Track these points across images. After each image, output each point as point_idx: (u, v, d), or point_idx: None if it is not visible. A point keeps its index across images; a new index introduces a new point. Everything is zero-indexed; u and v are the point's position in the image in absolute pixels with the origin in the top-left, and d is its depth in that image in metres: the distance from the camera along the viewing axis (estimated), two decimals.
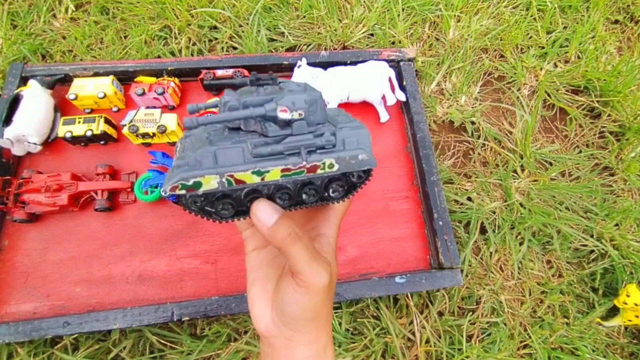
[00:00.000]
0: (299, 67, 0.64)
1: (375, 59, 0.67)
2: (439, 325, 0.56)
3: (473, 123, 0.72)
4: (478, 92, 0.75)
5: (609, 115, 0.76)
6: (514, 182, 0.67)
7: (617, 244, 0.64)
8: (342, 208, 0.29)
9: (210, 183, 0.23)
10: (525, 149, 0.69)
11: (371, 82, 0.64)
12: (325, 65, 0.66)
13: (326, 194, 0.27)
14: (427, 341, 0.55)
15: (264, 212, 0.24)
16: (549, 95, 0.77)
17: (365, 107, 0.67)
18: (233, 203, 0.25)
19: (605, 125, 0.75)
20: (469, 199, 0.65)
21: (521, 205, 0.65)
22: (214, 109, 0.24)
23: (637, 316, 0.55)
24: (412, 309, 0.56)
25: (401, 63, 0.68)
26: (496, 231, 0.63)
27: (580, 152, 0.73)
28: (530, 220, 0.63)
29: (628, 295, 0.54)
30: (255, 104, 0.23)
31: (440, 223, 0.57)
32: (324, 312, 0.27)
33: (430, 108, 0.72)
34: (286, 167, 0.24)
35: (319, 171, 0.25)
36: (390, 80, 0.65)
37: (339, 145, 0.25)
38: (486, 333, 0.58)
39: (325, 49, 0.74)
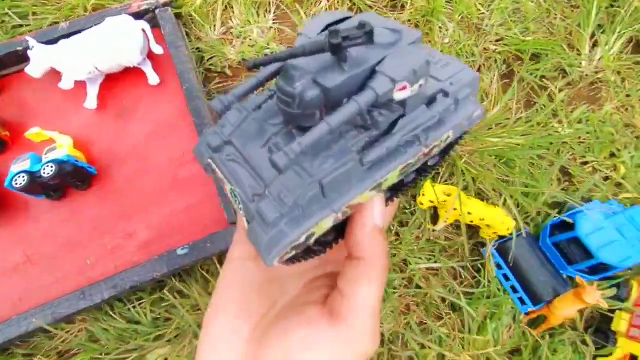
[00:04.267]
0: (32, 48, 0.55)
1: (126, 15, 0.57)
2: None
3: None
4: (273, 21, 0.67)
5: None
6: None
7: None
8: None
9: (326, 226, 0.16)
10: None
11: (120, 42, 0.55)
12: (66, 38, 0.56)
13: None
14: None
15: (380, 211, 0.18)
16: None
17: (134, 74, 0.58)
18: (336, 225, 0.18)
19: None
20: None
21: None
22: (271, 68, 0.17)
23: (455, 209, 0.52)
24: None
25: (157, 11, 0.59)
26: None
27: None
28: None
29: (423, 195, 0.50)
30: (355, 89, 0.15)
31: None
32: None
33: (221, 54, 0.63)
34: (406, 163, 0.17)
35: (435, 150, 0.18)
36: (145, 33, 0.57)
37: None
38: None
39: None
